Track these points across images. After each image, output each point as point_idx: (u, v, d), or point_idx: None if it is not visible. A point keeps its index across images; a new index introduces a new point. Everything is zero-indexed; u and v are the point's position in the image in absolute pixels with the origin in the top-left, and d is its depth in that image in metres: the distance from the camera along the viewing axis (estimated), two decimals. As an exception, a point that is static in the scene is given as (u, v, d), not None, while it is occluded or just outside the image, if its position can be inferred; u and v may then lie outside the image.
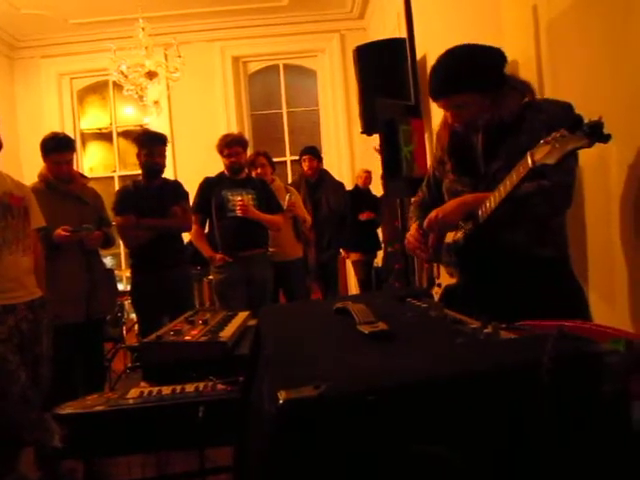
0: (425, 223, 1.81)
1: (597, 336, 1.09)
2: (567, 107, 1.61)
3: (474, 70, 1.68)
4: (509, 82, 1.72)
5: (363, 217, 5.44)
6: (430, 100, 4.05)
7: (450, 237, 1.83)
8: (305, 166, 4.89)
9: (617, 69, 1.78)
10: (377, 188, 5.70)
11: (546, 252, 1.69)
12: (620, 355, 0.76)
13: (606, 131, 1.22)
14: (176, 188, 3.76)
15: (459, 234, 1.76)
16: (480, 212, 1.64)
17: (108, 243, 3.47)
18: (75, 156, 3.56)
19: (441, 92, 1.74)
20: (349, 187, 5.78)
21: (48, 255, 2.91)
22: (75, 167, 3.72)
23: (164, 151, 3.65)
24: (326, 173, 5.17)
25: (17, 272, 2.41)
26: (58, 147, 3.22)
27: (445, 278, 1.90)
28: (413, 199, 2.15)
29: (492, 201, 1.57)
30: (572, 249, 1.83)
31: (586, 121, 1.23)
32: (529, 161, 1.36)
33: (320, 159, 5.02)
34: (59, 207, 3.22)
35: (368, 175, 5.72)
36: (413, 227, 1.99)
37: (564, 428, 0.71)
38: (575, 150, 1.27)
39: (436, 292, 1.92)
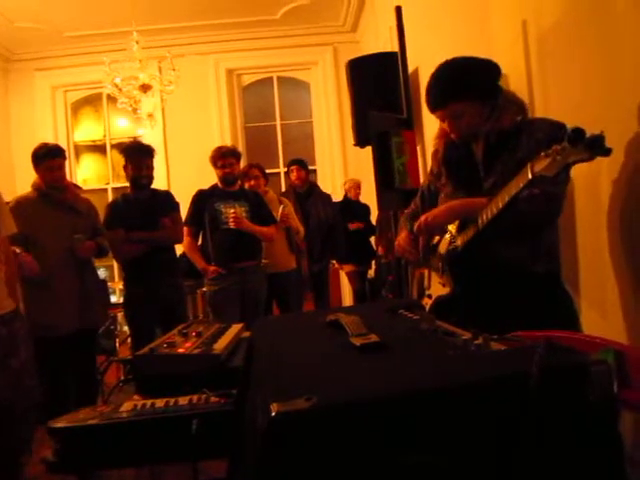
0: (415, 227, 1.86)
1: (587, 346, 1.10)
2: (561, 126, 1.62)
3: (471, 79, 1.71)
4: (506, 95, 1.74)
5: (352, 227, 5.45)
6: (422, 113, 4.08)
7: (444, 246, 1.85)
8: (293, 176, 4.90)
9: (606, 83, 1.80)
10: (366, 198, 5.72)
11: (539, 268, 1.70)
12: (609, 365, 0.76)
13: (607, 145, 1.23)
14: (166, 199, 3.74)
15: (456, 243, 1.78)
16: (477, 223, 1.65)
17: (102, 253, 3.46)
18: (67, 166, 3.55)
19: (439, 102, 1.76)
20: (340, 198, 5.80)
21: (40, 264, 2.88)
22: (69, 179, 3.72)
23: (152, 163, 3.62)
24: (314, 185, 5.20)
25: None
26: (49, 153, 3.22)
27: (435, 289, 1.92)
28: (405, 211, 2.18)
29: (489, 212, 1.59)
30: (564, 260, 1.84)
31: (587, 135, 1.24)
32: (529, 173, 1.37)
33: (308, 170, 5.05)
34: (52, 216, 3.21)
35: (358, 186, 5.73)
36: (404, 232, 2.05)
37: (553, 439, 0.72)
38: (576, 163, 1.28)
39: (426, 303, 1.93)
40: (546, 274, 1.72)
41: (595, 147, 1.23)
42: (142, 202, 3.59)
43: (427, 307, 1.90)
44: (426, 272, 2.00)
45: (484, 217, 1.61)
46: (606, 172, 1.82)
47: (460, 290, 1.79)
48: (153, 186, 3.70)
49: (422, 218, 1.82)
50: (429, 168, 2.10)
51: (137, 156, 3.57)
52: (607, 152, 1.23)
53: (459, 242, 1.77)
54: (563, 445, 0.72)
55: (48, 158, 3.21)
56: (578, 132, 1.24)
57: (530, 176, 1.37)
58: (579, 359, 0.77)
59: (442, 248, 1.86)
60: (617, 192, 1.78)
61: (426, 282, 1.99)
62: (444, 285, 1.86)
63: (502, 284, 1.70)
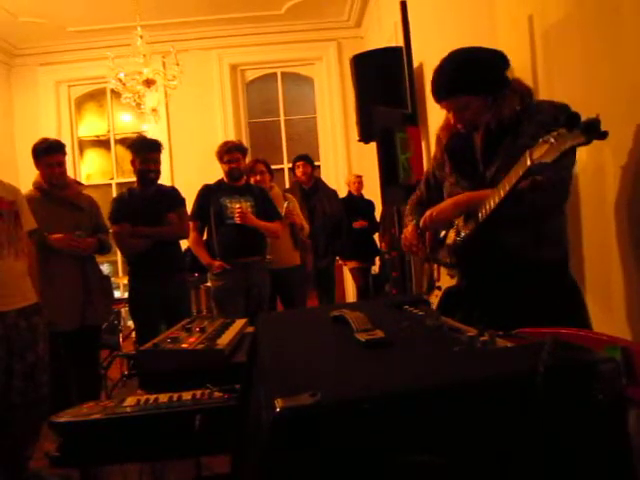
0: (421, 222, 1.86)
1: (593, 344, 1.10)
2: (563, 107, 1.62)
3: (476, 72, 1.71)
4: (511, 85, 1.73)
5: (356, 225, 5.43)
6: (427, 108, 4.06)
7: (451, 238, 1.84)
8: (299, 172, 4.90)
9: (611, 77, 1.79)
10: (370, 194, 5.69)
11: (543, 255, 1.70)
12: (617, 363, 0.75)
13: (603, 128, 1.23)
14: (172, 194, 3.74)
15: (461, 234, 1.78)
16: (480, 213, 1.65)
17: (103, 250, 3.45)
18: (70, 161, 3.55)
19: (444, 94, 1.77)
20: (344, 194, 5.79)
21: (42, 260, 2.89)
22: (73, 174, 3.72)
23: (159, 158, 3.62)
24: (320, 180, 5.21)
25: (9, 277, 2.38)
26: (49, 149, 3.22)
27: (445, 281, 1.91)
28: (410, 198, 2.16)
29: (491, 202, 1.58)
30: (569, 253, 1.83)
31: (583, 119, 1.24)
32: (527, 160, 1.37)
33: (314, 166, 5.04)
34: (53, 213, 3.21)
35: (359, 180, 5.72)
36: (410, 226, 2.03)
37: (559, 438, 0.71)
38: (573, 147, 1.28)
39: (436, 295, 1.92)
40: (551, 261, 1.71)
41: (591, 131, 1.22)
42: (148, 197, 3.59)
43: (437, 299, 1.89)
44: (435, 264, 2.00)
45: (487, 207, 1.61)
46: (611, 164, 1.81)
47: (467, 281, 1.79)
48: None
49: (427, 213, 1.82)
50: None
51: (145, 150, 3.57)
52: (603, 135, 1.23)
53: (464, 234, 1.77)
54: (570, 444, 0.72)
55: (47, 154, 3.20)
56: (574, 117, 1.24)
57: (529, 163, 1.37)
58: (587, 357, 0.76)
59: (449, 240, 1.86)
60: (623, 184, 1.76)
61: (435, 274, 1.98)
62: (452, 277, 1.86)
63: (507, 273, 1.70)
